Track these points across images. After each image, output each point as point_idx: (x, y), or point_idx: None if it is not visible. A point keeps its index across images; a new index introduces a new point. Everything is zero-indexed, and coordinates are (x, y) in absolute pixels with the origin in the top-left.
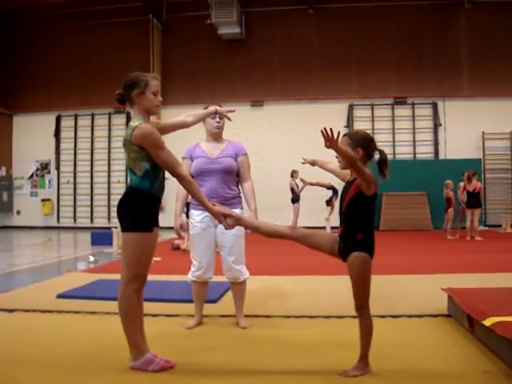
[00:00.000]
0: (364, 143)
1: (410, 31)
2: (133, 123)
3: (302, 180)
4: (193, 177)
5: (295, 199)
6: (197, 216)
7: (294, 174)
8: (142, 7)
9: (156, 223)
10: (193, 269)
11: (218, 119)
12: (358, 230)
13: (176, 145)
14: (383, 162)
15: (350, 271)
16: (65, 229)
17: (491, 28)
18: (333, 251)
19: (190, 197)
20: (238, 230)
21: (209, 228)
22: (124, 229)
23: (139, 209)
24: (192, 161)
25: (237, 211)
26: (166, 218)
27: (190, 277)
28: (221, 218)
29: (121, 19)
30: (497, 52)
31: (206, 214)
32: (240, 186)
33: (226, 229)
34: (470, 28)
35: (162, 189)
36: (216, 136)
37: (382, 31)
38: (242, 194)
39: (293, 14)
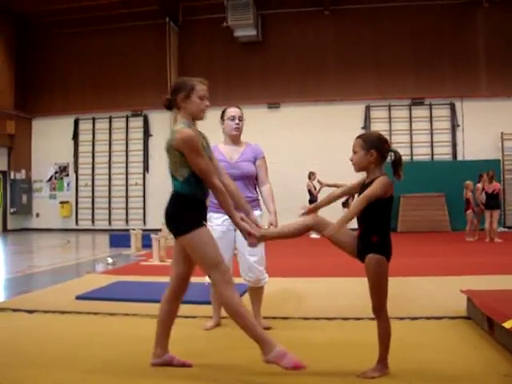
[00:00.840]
0: (378, 145)
1: (427, 31)
2: (175, 127)
3: (319, 181)
4: None
5: (312, 201)
6: (216, 219)
7: (311, 175)
8: (159, 10)
9: (205, 219)
10: None
11: (237, 121)
12: (374, 232)
13: None
14: (398, 163)
15: (367, 273)
16: (83, 231)
17: (509, 27)
18: (353, 251)
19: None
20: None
21: (229, 231)
22: (178, 234)
23: (187, 211)
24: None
25: (256, 213)
26: None
27: (207, 279)
28: (245, 234)
29: (137, 23)
30: None
31: (227, 217)
32: (258, 189)
33: (249, 246)
34: (488, 27)
35: (205, 192)
36: (235, 138)
37: (398, 31)
38: (260, 197)
39: (309, 15)
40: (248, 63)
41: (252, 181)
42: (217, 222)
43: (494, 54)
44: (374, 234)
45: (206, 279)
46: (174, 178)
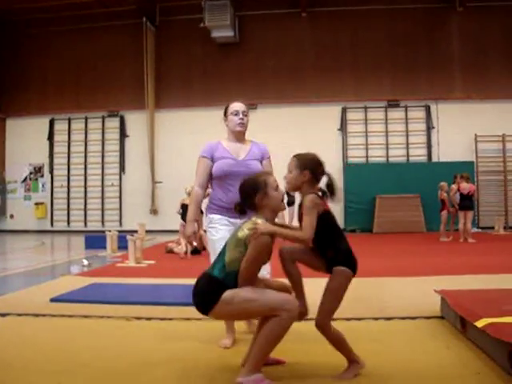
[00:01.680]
0: (311, 166)
1: (403, 34)
2: (255, 220)
3: None
4: (215, 178)
5: (291, 202)
6: (219, 219)
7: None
8: (136, 10)
9: None
10: None
11: (241, 115)
12: (326, 247)
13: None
14: (330, 187)
15: (329, 283)
16: (58, 232)
17: (483, 31)
18: (321, 266)
19: (203, 204)
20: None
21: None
22: (207, 310)
23: (216, 294)
24: (213, 161)
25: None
26: (159, 222)
27: None
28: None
29: (114, 22)
30: (489, 55)
31: (230, 219)
32: None
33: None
34: (463, 31)
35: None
36: (239, 135)
37: (375, 34)
38: None
39: (286, 17)
40: (225, 64)
41: None
42: (221, 222)
43: (468, 57)
44: (328, 249)
45: None
46: (221, 263)
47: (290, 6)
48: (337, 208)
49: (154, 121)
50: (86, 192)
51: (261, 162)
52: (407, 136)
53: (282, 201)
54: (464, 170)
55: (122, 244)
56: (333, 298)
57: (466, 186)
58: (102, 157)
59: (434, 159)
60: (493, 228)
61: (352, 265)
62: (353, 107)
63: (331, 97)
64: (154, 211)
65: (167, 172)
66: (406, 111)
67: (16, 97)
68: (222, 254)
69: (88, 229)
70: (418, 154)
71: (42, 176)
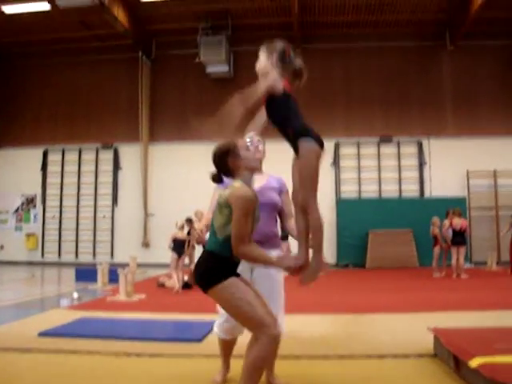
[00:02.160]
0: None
1: (395, 71)
2: (235, 184)
3: None
4: None
5: (284, 236)
6: None
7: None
8: (132, 45)
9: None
10: (220, 319)
11: (256, 144)
12: (286, 127)
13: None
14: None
15: (297, 163)
16: (49, 264)
17: (474, 69)
18: None
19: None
20: (278, 274)
21: (245, 271)
22: (207, 285)
23: (219, 267)
24: None
25: (276, 253)
26: (151, 255)
27: (216, 330)
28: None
29: (110, 56)
30: (480, 92)
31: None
32: (283, 224)
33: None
34: (454, 68)
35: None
36: (256, 170)
37: (368, 71)
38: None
39: None
40: (219, 98)
41: (275, 213)
42: None
43: (460, 94)
44: (287, 128)
45: (215, 330)
46: (213, 235)
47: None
48: (330, 243)
49: (148, 153)
50: (77, 223)
51: (279, 194)
52: (399, 171)
53: (258, 160)
54: (456, 205)
55: (113, 277)
56: (308, 175)
57: (458, 222)
58: (95, 188)
59: (427, 194)
60: (486, 263)
61: (315, 138)
62: (345, 142)
63: (324, 132)
64: (145, 244)
65: (160, 205)
66: (399, 147)
67: (10, 127)
68: (211, 227)
69: (79, 260)
70: (411, 190)
71: (34, 207)
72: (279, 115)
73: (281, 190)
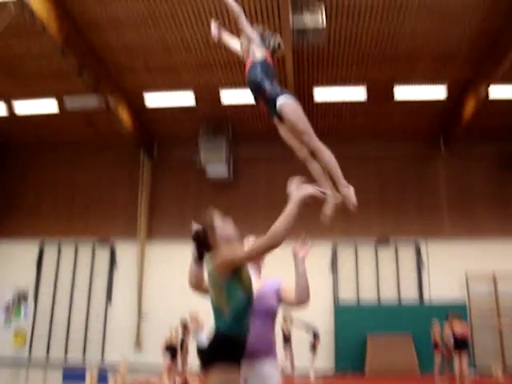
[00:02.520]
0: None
1: (392, 175)
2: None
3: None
4: None
5: (286, 340)
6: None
7: (286, 318)
8: (135, 144)
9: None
10: None
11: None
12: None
13: None
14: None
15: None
16: (36, 363)
17: (468, 172)
18: None
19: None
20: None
21: None
22: (210, 363)
23: (226, 350)
24: None
25: (270, 367)
26: (143, 356)
27: None
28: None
29: (112, 154)
30: (475, 194)
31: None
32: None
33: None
34: (448, 172)
35: (247, 333)
36: (259, 268)
37: (365, 174)
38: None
39: (279, 158)
40: (218, 200)
41: (271, 320)
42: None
43: (455, 197)
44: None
45: None
46: (218, 314)
47: (283, 149)
48: (327, 347)
49: (145, 251)
50: (69, 321)
51: (277, 297)
52: (398, 274)
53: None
54: (456, 309)
55: (103, 378)
56: (302, 125)
57: (458, 328)
58: (90, 285)
59: (426, 299)
60: (490, 367)
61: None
62: (343, 245)
63: (321, 235)
64: (138, 345)
65: (155, 304)
66: (396, 249)
67: (8, 219)
68: (214, 307)
69: (69, 358)
70: (409, 292)
71: (26, 302)
72: (256, 80)
73: (278, 289)
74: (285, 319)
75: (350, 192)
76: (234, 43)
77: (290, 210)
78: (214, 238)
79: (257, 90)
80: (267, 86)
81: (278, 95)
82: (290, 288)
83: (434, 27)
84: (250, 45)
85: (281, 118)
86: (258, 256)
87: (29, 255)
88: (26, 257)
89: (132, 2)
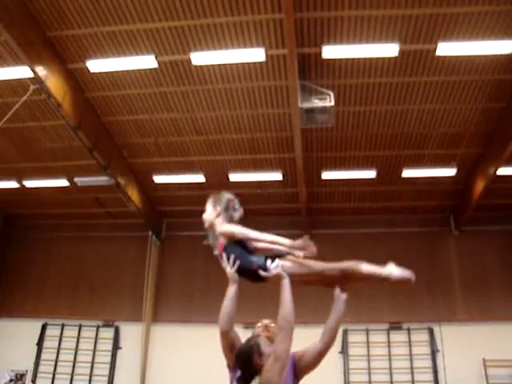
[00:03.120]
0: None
1: (402, 256)
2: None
3: None
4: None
5: None
6: None
7: None
8: (143, 224)
9: None
10: None
11: (270, 326)
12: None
13: None
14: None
15: None
16: None
17: (480, 253)
18: None
19: None
20: None
21: None
22: None
23: None
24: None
25: None
26: None
27: None
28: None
29: (120, 233)
30: (489, 276)
31: None
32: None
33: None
34: (460, 253)
35: None
36: None
37: (374, 256)
38: None
39: (288, 235)
40: (226, 281)
41: None
42: None
43: (468, 278)
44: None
45: None
46: None
47: (292, 226)
48: None
49: (150, 334)
50: None
51: (295, 367)
52: (411, 360)
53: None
54: None
55: None
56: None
57: None
58: (91, 368)
59: None
60: None
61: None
62: (354, 329)
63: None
64: None
65: None
66: (409, 334)
67: (10, 297)
68: None
69: None
70: (424, 380)
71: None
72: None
73: (294, 363)
74: None
75: (393, 271)
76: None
77: (283, 295)
78: (261, 363)
79: (243, 271)
80: (252, 260)
81: (265, 263)
82: (304, 349)
83: (442, 107)
84: (212, 221)
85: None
86: (286, 354)
87: (30, 335)
88: (27, 337)
89: (146, 86)
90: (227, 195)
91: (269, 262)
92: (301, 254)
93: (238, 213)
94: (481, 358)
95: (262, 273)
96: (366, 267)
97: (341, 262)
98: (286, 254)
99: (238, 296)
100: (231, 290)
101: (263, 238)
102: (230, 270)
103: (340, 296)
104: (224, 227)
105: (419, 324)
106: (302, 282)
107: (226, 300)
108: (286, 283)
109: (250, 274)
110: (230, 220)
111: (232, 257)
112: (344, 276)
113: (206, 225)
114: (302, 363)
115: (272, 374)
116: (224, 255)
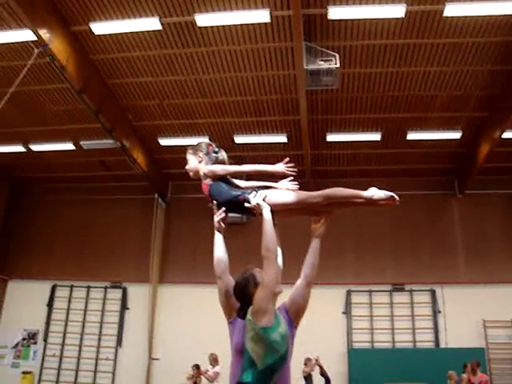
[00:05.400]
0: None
1: (405, 220)
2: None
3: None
4: None
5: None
6: None
7: (307, 362)
8: (148, 186)
9: None
10: None
11: None
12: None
13: None
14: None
15: None
16: None
17: (483, 216)
18: None
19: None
20: None
21: None
22: None
23: None
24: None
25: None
26: None
27: None
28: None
29: (126, 196)
30: (490, 239)
31: None
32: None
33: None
34: (463, 216)
35: None
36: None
37: (378, 219)
38: None
39: None
40: (230, 244)
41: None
42: None
43: (470, 242)
44: None
45: None
46: (250, 365)
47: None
48: None
49: (157, 295)
50: (78, 364)
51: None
52: (413, 321)
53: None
54: (474, 356)
55: None
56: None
57: (477, 377)
58: (100, 328)
59: (442, 345)
60: None
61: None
62: (357, 290)
63: (335, 279)
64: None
65: (166, 349)
66: (411, 295)
67: (21, 260)
68: (245, 358)
69: None
70: (425, 340)
71: (35, 343)
72: (222, 198)
73: (287, 310)
74: (305, 363)
75: (376, 192)
76: None
77: (264, 225)
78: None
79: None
80: (236, 192)
81: (249, 196)
82: (290, 295)
83: (448, 70)
84: (196, 169)
85: (272, 212)
86: (274, 281)
87: (40, 296)
88: (38, 298)
89: (150, 49)
90: (204, 141)
91: (253, 193)
92: (283, 187)
93: (221, 154)
94: (481, 319)
95: (246, 204)
96: (349, 190)
97: (323, 190)
98: (270, 187)
99: (224, 242)
100: (218, 237)
101: (243, 169)
102: (216, 219)
103: (315, 232)
104: (205, 168)
105: (421, 286)
106: (286, 212)
107: (215, 247)
108: (266, 213)
109: (237, 207)
110: (214, 163)
111: (221, 210)
112: (328, 202)
113: (192, 174)
114: (293, 307)
115: (260, 302)
116: (216, 205)
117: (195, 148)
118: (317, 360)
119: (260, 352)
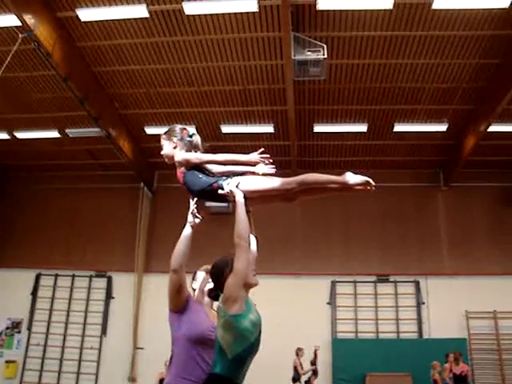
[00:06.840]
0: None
1: (392, 211)
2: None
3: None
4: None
5: (296, 379)
6: None
7: (298, 352)
8: (134, 176)
9: None
10: None
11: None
12: None
13: None
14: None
15: None
16: None
17: (467, 209)
18: None
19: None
20: None
21: None
22: None
23: None
24: (186, 299)
25: None
26: None
27: None
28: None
29: (112, 185)
30: (475, 231)
31: None
32: None
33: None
34: (448, 208)
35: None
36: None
37: (365, 210)
38: None
39: None
40: (217, 233)
41: None
42: None
43: (455, 233)
44: None
45: None
46: (220, 354)
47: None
48: (324, 382)
49: (142, 284)
50: (62, 353)
51: None
52: (397, 311)
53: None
54: (456, 347)
55: None
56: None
57: (458, 367)
58: (85, 317)
59: (425, 336)
60: None
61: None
62: (342, 281)
63: (320, 270)
64: (132, 379)
65: (150, 339)
66: (396, 286)
67: (6, 247)
68: (216, 347)
69: None
70: (409, 330)
71: (19, 332)
72: (196, 187)
73: None
74: (297, 353)
75: (351, 177)
76: None
77: (236, 213)
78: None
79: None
80: (212, 180)
81: (223, 182)
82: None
83: (435, 62)
84: (171, 154)
85: (245, 198)
86: (246, 269)
87: (25, 285)
88: (22, 286)
89: (137, 36)
90: (178, 126)
91: (227, 180)
92: (260, 171)
93: (195, 138)
94: (463, 310)
95: (219, 191)
96: (324, 175)
97: (298, 176)
98: (245, 173)
99: (191, 238)
100: (187, 230)
101: (218, 159)
102: (190, 211)
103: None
104: (178, 156)
105: (406, 277)
106: (260, 199)
107: (180, 239)
108: (239, 200)
109: (213, 194)
110: (190, 148)
111: (194, 202)
112: (302, 188)
113: (167, 160)
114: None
115: (231, 289)
116: (193, 197)
117: (169, 133)
118: (316, 350)
119: (229, 340)
